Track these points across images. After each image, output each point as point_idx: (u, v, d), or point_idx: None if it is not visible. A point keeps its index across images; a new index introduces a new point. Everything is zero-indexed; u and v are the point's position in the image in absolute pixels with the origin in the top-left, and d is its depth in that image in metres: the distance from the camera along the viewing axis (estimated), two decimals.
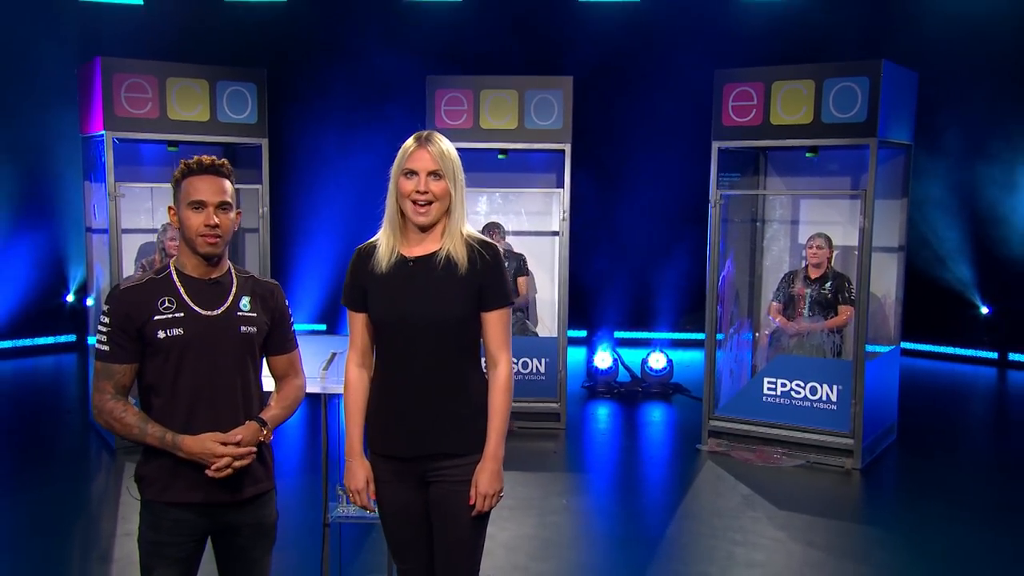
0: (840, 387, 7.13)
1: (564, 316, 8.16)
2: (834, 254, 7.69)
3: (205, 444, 3.01)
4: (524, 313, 8.63)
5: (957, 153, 10.37)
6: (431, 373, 3.18)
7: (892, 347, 7.85)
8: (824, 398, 7.20)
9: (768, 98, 7.20)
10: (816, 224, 8.09)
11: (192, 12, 11.46)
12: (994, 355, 11.06)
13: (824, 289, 7.57)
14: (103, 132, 7.34)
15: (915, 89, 7.65)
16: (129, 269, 7.96)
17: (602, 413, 8.94)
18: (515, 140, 7.93)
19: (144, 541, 3.15)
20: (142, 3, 11.53)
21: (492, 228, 8.44)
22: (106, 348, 3.07)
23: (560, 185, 8.03)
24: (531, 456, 7.36)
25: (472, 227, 3.27)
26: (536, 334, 8.58)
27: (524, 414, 8.07)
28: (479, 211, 8.91)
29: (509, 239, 8.65)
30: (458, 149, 8.33)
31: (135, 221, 8.16)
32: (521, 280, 8.49)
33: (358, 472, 3.25)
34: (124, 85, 7.39)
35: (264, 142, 7.80)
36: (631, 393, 9.47)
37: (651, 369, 9.56)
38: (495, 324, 3.22)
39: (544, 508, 6.19)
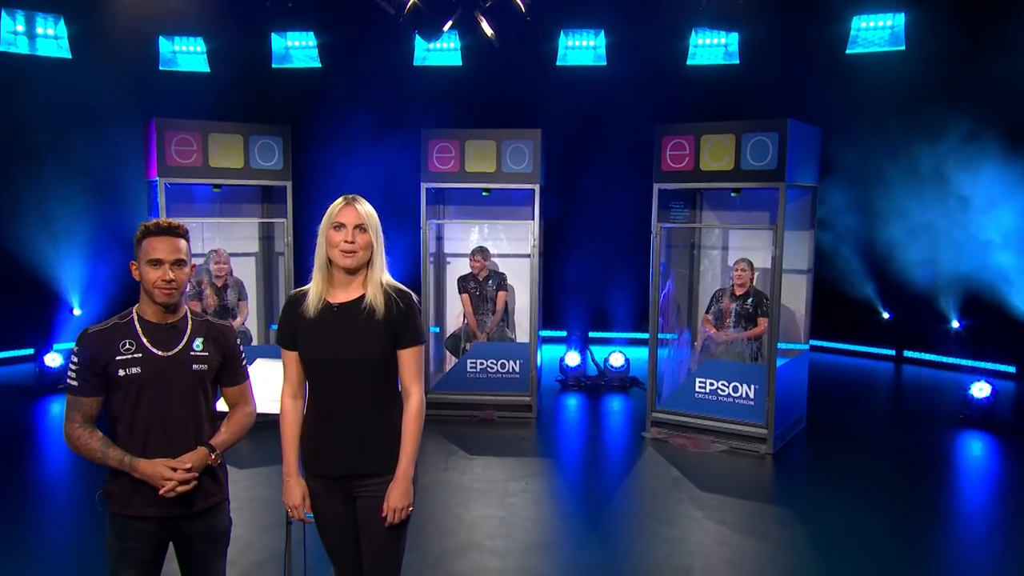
0: (757, 386, 6.82)
1: (535, 325, 7.86)
2: (755, 275, 7.40)
3: (156, 468, 2.76)
4: (504, 322, 8.33)
5: (863, 188, 10.05)
6: (354, 404, 2.93)
7: (803, 350, 7.53)
8: (744, 395, 6.88)
9: (698, 148, 6.93)
10: (742, 250, 7.79)
11: (248, 76, 11.25)
12: (892, 352, 10.72)
13: (747, 304, 7.28)
14: (158, 178, 7.18)
15: (819, 141, 7.33)
16: None
17: (570, 404, 8.63)
18: (494, 181, 7.67)
19: (111, 548, 2.91)
20: (208, 70, 11.34)
21: (479, 252, 8.15)
22: (75, 383, 2.83)
23: (532, 218, 7.73)
24: (504, 442, 7.08)
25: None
26: (513, 339, 8.28)
27: (502, 406, 7.80)
28: (472, 239, 8.62)
29: (494, 259, 8.38)
30: (447, 188, 8.15)
31: (192, 247, 7.90)
32: (501, 294, 8.20)
33: (295, 490, 2.99)
34: (174, 140, 7.22)
35: (288, 184, 7.57)
36: (595, 386, 9.15)
37: (611, 366, 9.25)
38: (408, 360, 2.95)
39: (506, 490, 5.89)
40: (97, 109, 10.01)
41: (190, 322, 2.94)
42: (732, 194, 7.19)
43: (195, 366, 2.90)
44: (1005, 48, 8.85)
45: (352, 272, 2.93)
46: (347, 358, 2.89)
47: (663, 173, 7.13)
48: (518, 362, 7.83)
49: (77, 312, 10.53)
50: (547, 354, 9.99)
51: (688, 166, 6.99)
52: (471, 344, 8.02)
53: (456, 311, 8.46)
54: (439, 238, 8.58)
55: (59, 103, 10.02)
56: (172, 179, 7.21)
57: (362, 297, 2.93)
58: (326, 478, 2.99)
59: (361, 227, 2.89)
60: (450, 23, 8.00)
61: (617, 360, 9.27)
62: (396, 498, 2.93)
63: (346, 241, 2.88)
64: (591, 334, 11.38)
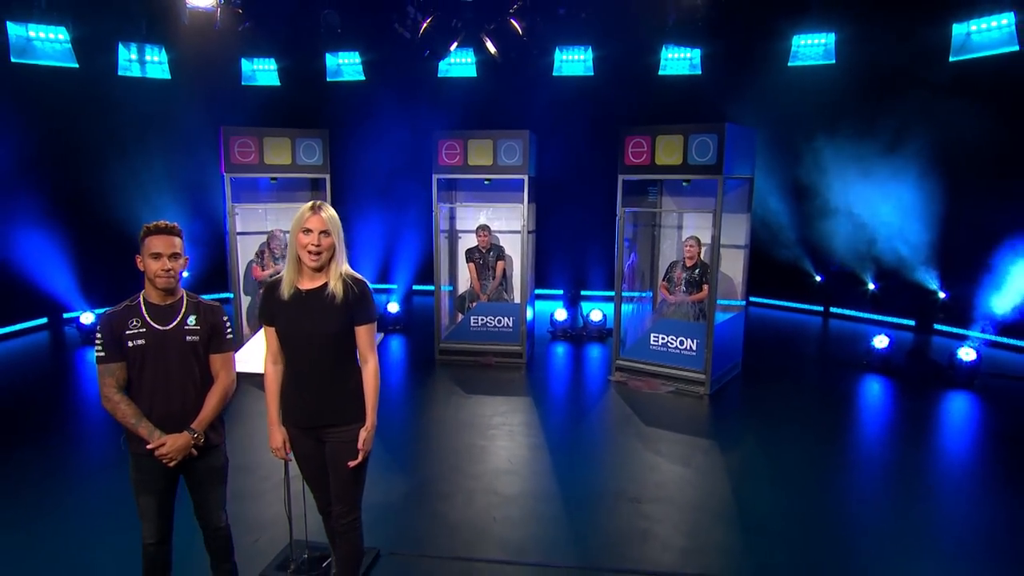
0: (698, 340, 6.64)
1: (526, 289, 7.71)
2: (702, 249, 7.15)
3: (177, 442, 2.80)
4: (503, 286, 8.19)
5: (804, 177, 9.67)
6: (320, 370, 2.86)
7: (740, 306, 7.29)
8: (688, 348, 6.71)
9: (654, 146, 6.64)
10: (693, 229, 7.54)
11: (309, 88, 11.10)
12: (821, 308, 10.37)
13: (695, 274, 7.07)
14: (225, 173, 7.11)
15: (754, 139, 7.00)
16: (246, 259, 7.74)
17: (557, 351, 8.46)
18: (491, 173, 7.44)
19: (132, 479, 2.90)
20: (279, 84, 11.21)
21: (483, 228, 8.00)
22: (103, 353, 2.78)
23: (523, 202, 7.53)
24: (497, 384, 6.97)
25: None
26: (509, 300, 8.14)
27: (499, 353, 7.70)
28: (480, 218, 8.44)
29: (495, 234, 8.22)
30: (452, 179, 7.94)
31: (258, 226, 7.90)
32: (500, 263, 8.06)
33: (276, 436, 2.96)
34: (236, 143, 7.12)
35: (327, 176, 7.45)
36: (579, 337, 8.99)
37: (591, 320, 9.08)
38: (364, 335, 2.87)
39: (490, 424, 5.81)
40: (192, 117, 9.96)
41: (185, 303, 2.88)
42: (683, 184, 6.92)
43: (188, 338, 2.84)
44: (914, 65, 8.48)
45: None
46: (313, 333, 2.82)
47: (626, 167, 6.86)
48: (511, 319, 7.71)
49: None
50: (543, 309, 9.86)
51: (646, 161, 6.73)
52: (475, 303, 7.91)
53: (465, 276, 8.35)
54: (452, 218, 8.43)
55: (164, 114, 10.03)
56: (235, 174, 7.15)
57: (325, 285, 2.84)
58: (300, 427, 2.95)
59: (325, 232, 2.79)
60: (455, 44, 7.73)
61: (596, 315, 9.09)
62: (361, 442, 2.91)
63: (312, 244, 2.79)
64: (582, 292, 11.19)
